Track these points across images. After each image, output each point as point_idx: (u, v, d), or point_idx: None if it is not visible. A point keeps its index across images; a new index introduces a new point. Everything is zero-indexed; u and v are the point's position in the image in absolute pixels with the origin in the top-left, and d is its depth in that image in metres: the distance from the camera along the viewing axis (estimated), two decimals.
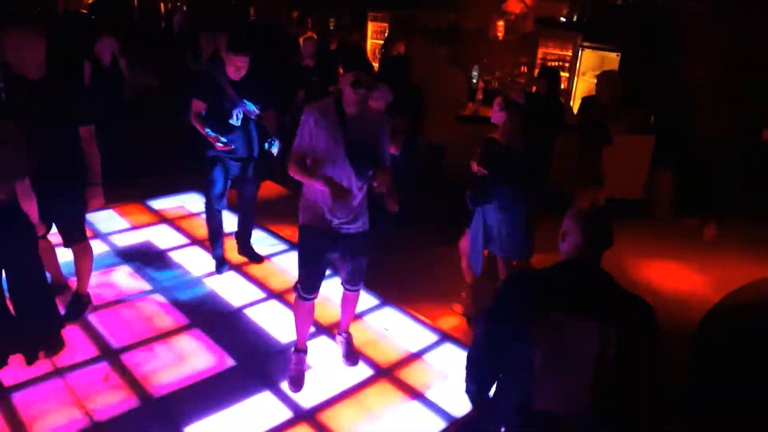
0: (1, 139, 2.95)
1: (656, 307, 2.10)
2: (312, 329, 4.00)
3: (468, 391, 2.39)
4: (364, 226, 3.34)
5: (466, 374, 2.36)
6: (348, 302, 3.66)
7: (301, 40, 9.12)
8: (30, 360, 3.47)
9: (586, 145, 5.23)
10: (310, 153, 3.13)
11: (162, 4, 14.03)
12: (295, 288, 3.43)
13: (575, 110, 7.51)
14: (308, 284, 3.36)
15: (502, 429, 2.15)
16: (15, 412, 3.17)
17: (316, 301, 3.44)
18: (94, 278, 4.15)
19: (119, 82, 6.19)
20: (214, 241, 4.73)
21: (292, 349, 3.61)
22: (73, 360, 3.58)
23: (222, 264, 4.72)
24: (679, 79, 6.70)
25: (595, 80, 6.01)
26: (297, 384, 3.48)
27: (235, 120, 4.25)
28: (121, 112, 6.13)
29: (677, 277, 5.19)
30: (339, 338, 3.82)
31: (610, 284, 2.08)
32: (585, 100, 5.67)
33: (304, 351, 3.60)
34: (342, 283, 3.57)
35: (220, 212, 4.64)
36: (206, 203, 4.62)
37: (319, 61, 6.54)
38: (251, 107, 4.24)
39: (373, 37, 10.28)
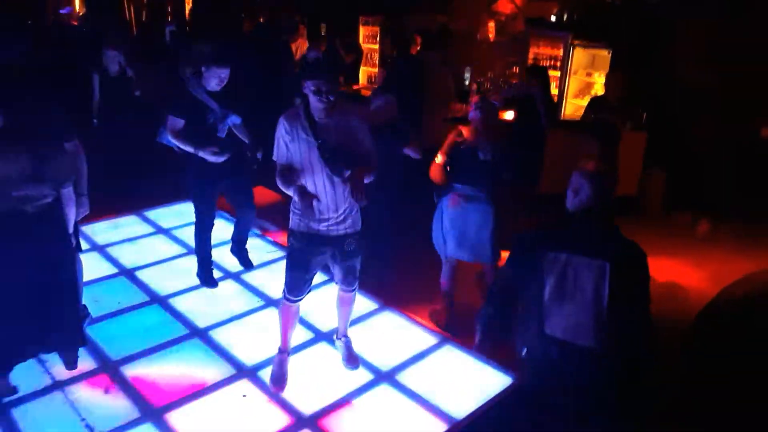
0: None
1: (657, 302, 2.27)
2: (311, 335, 4.01)
3: (483, 314, 2.92)
4: (354, 227, 3.36)
5: (487, 302, 2.91)
6: (344, 304, 3.68)
7: (293, 47, 9.14)
8: (71, 363, 3.55)
9: (604, 146, 5.25)
10: (288, 164, 3.19)
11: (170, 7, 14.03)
12: (282, 291, 3.46)
13: (567, 110, 7.56)
14: (294, 287, 3.40)
15: (524, 350, 2.67)
16: (15, 426, 3.16)
17: (314, 307, 3.46)
18: (93, 290, 4.14)
19: (128, 90, 6.21)
20: (204, 258, 4.66)
21: (278, 353, 3.62)
22: (73, 373, 3.57)
23: (212, 281, 4.67)
24: (671, 75, 6.74)
25: (603, 80, 6.03)
26: (278, 383, 3.52)
27: (222, 133, 4.22)
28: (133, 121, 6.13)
29: (672, 272, 5.21)
30: (338, 342, 3.83)
31: (612, 231, 2.54)
32: (595, 101, 5.73)
33: (287, 352, 3.62)
34: (337, 284, 3.60)
35: (211, 227, 4.60)
36: (199, 218, 4.55)
37: None
38: (235, 118, 4.22)
39: (365, 41, 10.29)
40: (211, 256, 4.69)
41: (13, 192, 3.01)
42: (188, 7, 13.92)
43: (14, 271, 3.16)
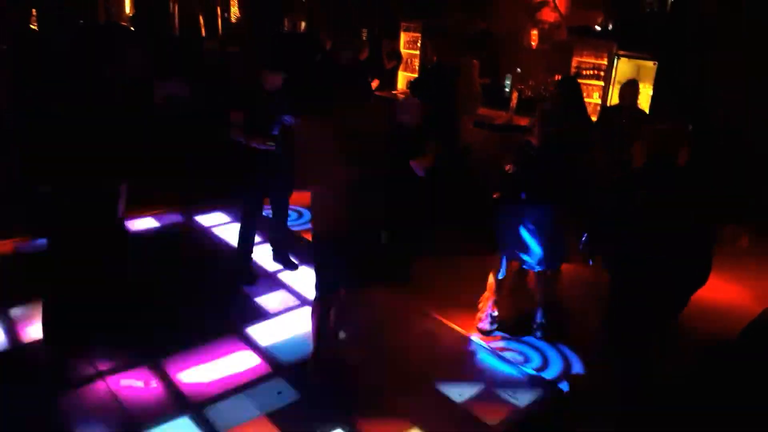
0: None
1: (694, 318, 2.22)
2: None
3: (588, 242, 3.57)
4: (367, 230, 3.52)
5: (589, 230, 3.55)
6: (344, 303, 3.71)
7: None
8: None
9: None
10: (313, 169, 3.32)
11: (201, 17, 14.29)
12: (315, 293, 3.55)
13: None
14: (326, 287, 3.51)
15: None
16: (60, 415, 3.27)
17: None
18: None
19: (149, 94, 6.31)
20: (247, 253, 4.78)
21: (312, 359, 3.68)
22: (114, 365, 3.67)
23: (254, 278, 4.78)
24: (719, 86, 6.59)
25: (649, 91, 5.99)
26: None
27: (275, 131, 4.36)
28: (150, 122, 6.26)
29: (710, 288, 5.06)
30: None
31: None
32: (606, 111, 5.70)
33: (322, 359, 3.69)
34: (344, 286, 3.61)
35: (255, 224, 4.71)
36: (245, 213, 4.69)
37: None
38: (289, 118, 4.34)
39: (406, 47, 10.33)
40: (251, 253, 4.77)
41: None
42: (233, 11, 14.16)
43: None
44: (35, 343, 3.79)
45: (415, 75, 10.20)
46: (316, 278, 3.53)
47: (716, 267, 4.87)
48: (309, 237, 3.64)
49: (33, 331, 3.91)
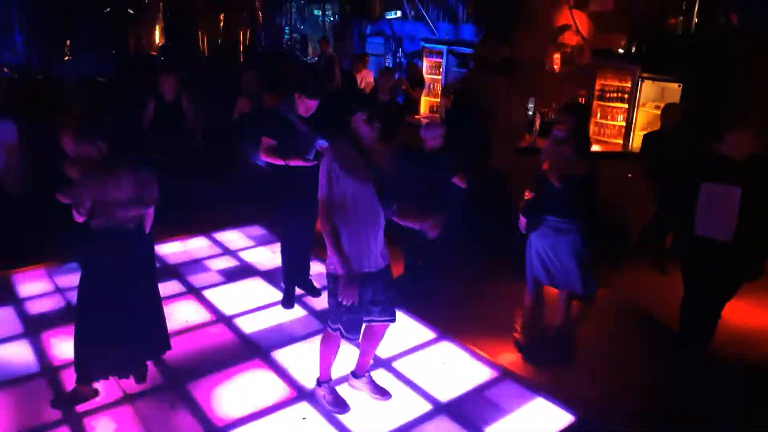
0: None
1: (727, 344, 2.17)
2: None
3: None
4: (386, 260, 3.35)
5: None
6: (375, 337, 3.56)
7: (358, 77, 9.37)
8: (142, 378, 3.71)
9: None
10: (339, 201, 3.13)
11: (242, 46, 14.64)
12: (336, 329, 3.35)
13: (635, 143, 7.38)
14: (352, 327, 3.32)
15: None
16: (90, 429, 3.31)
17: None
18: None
19: (182, 118, 6.44)
20: (292, 275, 4.81)
21: (321, 384, 3.61)
22: (142, 387, 3.71)
23: (292, 300, 4.80)
24: (747, 110, 6.49)
25: (658, 112, 5.96)
26: (342, 406, 3.55)
27: (311, 155, 4.37)
28: (186, 147, 6.40)
29: (745, 312, 4.95)
30: (359, 382, 3.73)
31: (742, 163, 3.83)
32: (647, 138, 5.64)
33: (331, 380, 3.64)
34: (372, 319, 3.41)
35: (298, 249, 4.75)
36: (288, 236, 4.73)
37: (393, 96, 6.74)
38: (323, 141, 4.38)
39: (428, 72, 10.43)
40: (295, 275, 4.83)
41: (120, 212, 3.34)
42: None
43: (115, 286, 3.45)
44: (65, 366, 3.86)
45: (438, 100, 10.28)
46: (342, 318, 3.31)
47: (747, 293, 4.80)
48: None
49: (63, 353, 3.99)
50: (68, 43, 12.85)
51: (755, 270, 4.03)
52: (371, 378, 3.73)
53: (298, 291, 4.99)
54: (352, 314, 3.28)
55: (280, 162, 4.36)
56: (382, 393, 3.68)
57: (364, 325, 3.42)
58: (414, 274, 5.08)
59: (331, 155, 3.17)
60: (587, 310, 4.68)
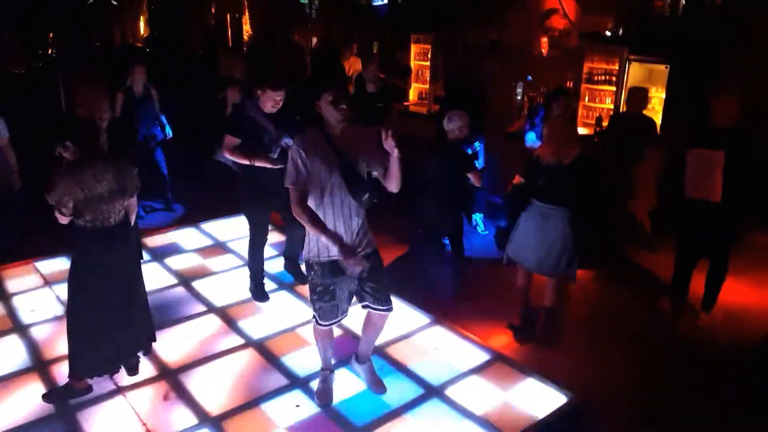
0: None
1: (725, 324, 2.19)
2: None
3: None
4: (371, 245, 3.26)
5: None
6: (374, 325, 3.51)
7: (345, 65, 9.32)
8: (134, 370, 3.72)
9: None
10: (308, 186, 3.06)
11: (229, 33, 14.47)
12: (313, 316, 3.38)
13: None
14: (325, 315, 3.30)
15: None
16: (80, 429, 3.31)
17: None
18: (153, 299, 4.29)
19: (151, 110, 6.35)
20: (257, 273, 4.76)
21: (320, 371, 3.62)
22: (135, 379, 3.70)
23: (262, 292, 4.76)
24: (737, 91, 6.51)
25: (661, 95, 6.02)
26: (323, 397, 3.52)
27: (275, 153, 4.32)
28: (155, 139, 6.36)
29: (738, 291, 5.00)
30: (360, 367, 3.71)
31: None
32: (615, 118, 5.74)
33: (329, 369, 3.61)
34: (367, 306, 3.41)
35: (264, 243, 4.70)
36: (253, 234, 4.66)
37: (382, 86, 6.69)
38: (289, 139, 4.30)
39: (416, 58, 10.40)
40: (263, 271, 4.79)
41: (104, 206, 3.31)
42: (245, 28, 14.35)
43: (104, 282, 3.43)
44: (57, 360, 3.84)
45: (426, 86, 10.26)
46: (314, 306, 3.33)
47: (740, 271, 4.86)
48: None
49: (54, 347, 3.97)
50: (51, 35, 12.68)
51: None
52: (371, 366, 3.70)
53: (289, 278, 5.00)
54: (323, 302, 3.26)
55: (245, 161, 4.28)
56: (378, 386, 3.64)
57: (343, 315, 3.37)
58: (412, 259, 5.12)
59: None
60: (573, 291, 4.72)
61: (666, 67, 6.96)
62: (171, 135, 6.41)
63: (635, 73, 7.37)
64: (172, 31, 13.55)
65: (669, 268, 4.67)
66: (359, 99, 6.48)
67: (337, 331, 3.90)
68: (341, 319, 3.38)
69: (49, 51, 12.62)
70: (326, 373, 3.59)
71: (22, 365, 3.86)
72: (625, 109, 6.31)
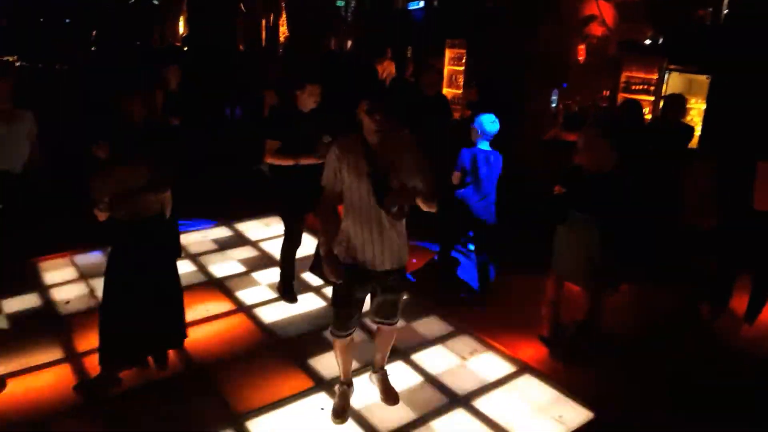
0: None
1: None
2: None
3: None
4: (399, 262, 3.17)
5: None
6: (383, 337, 3.49)
7: (379, 69, 9.34)
8: (163, 362, 3.77)
9: None
10: (335, 189, 3.04)
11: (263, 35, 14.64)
12: (330, 327, 3.34)
13: None
14: (340, 324, 3.25)
15: None
16: (109, 420, 3.37)
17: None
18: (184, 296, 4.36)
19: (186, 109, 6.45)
20: (287, 274, 4.78)
21: (339, 381, 3.55)
22: (163, 375, 3.76)
23: (292, 296, 4.78)
24: None
25: (702, 107, 5.86)
26: (338, 415, 3.40)
27: (317, 153, 4.30)
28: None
29: None
30: (374, 376, 3.67)
31: None
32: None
33: (348, 384, 3.53)
34: (372, 317, 3.38)
35: (298, 245, 4.73)
36: (288, 235, 4.68)
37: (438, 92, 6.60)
38: (328, 137, 4.33)
39: (450, 63, 10.36)
40: (293, 273, 4.81)
41: (139, 200, 3.37)
42: (282, 29, 14.50)
43: (139, 275, 3.50)
44: (89, 352, 3.93)
45: (459, 91, 10.21)
46: (333, 312, 3.29)
47: None
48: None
49: (87, 339, 4.06)
50: (94, 33, 13.01)
51: None
52: (385, 376, 3.65)
53: (318, 281, 5.02)
54: (338, 308, 3.23)
55: (290, 162, 4.30)
56: (389, 397, 3.57)
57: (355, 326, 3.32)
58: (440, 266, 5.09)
59: (336, 144, 3.07)
60: (609, 305, 4.62)
61: (707, 78, 6.80)
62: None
63: (675, 83, 7.22)
64: (211, 32, 13.76)
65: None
66: (415, 105, 6.43)
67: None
68: (354, 330, 3.32)
69: (92, 48, 12.94)
70: (344, 388, 3.50)
71: (55, 356, 3.95)
72: (660, 117, 6.14)
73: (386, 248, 3.09)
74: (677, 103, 5.63)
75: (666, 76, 7.23)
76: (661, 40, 8.08)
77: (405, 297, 3.36)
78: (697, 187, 4.83)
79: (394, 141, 3.02)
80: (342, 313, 3.23)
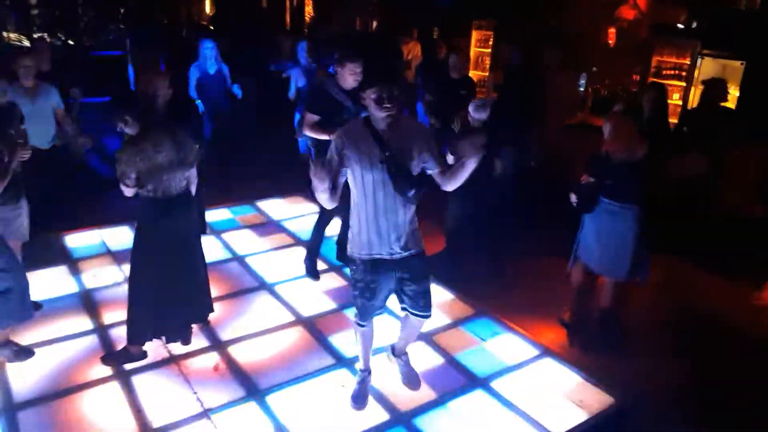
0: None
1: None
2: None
3: None
4: (417, 246, 3.12)
5: None
6: (410, 326, 3.42)
7: (405, 49, 9.25)
8: (187, 340, 3.82)
9: None
10: (336, 174, 2.93)
11: (288, 16, 14.59)
12: (354, 314, 3.33)
13: None
14: (363, 313, 3.24)
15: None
16: (134, 392, 3.45)
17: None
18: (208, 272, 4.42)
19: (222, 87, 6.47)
20: (314, 250, 4.83)
21: (359, 368, 3.54)
22: (187, 349, 3.82)
23: (316, 273, 4.84)
24: None
25: (737, 93, 5.72)
26: (358, 401, 3.40)
27: None
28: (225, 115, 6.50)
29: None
30: (395, 360, 3.65)
31: None
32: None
33: (368, 371, 3.51)
34: (405, 309, 3.29)
35: (329, 221, 4.77)
36: (322, 210, 4.69)
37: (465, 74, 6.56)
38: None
39: (477, 45, 10.24)
40: (320, 249, 4.86)
41: (164, 176, 3.40)
42: (307, 9, 14.44)
43: (166, 250, 3.54)
44: (116, 325, 4.00)
45: (486, 74, 10.10)
46: (354, 303, 3.26)
47: None
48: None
49: (114, 312, 4.14)
50: (121, 11, 13.10)
51: None
52: (408, 360, 3.64)
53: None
54: (363, 298, 3.18)
55: (326, 136, 4.29)
56: (412, 382, 3.58)
57: (379, 314, 3.31)
58: (453, 248, 5.06)
59: (339, 131, 3.00)
60: (634, 294, 4.58)
61: (742, 64, 6.63)
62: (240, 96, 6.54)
63: (707, 68, 7.06)
64: (237, 12, 13.74)
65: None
66: (441, 86, 6.37)
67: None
68: (378, 314, 3.31)
69: (120, 26, 13.04)
70: (364, 374, 3.50)
71: (82, 328, 4.04)
72: (698, 103, 5.97)
73: (403, 234, 3.05)
74: (718, 88, 5.48)
75: (699, 61, 7.07)
76: (694, 25, 7.89)
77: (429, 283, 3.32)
78: (749, 175, 4.71)
79: (404, 123, 3.01)
80: (366, 305, 3.20)
